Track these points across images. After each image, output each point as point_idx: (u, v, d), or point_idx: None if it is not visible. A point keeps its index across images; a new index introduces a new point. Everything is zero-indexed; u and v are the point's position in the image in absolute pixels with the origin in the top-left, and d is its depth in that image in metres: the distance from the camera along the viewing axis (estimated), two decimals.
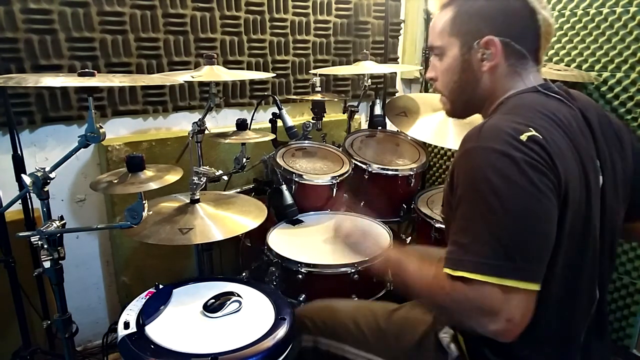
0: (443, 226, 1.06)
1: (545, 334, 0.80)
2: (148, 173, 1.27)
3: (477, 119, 1.05)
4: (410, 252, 1.04)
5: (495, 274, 0.78)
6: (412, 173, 1.95)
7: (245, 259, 1.94)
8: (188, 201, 1.42)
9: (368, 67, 2.09)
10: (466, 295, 0.81)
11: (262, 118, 2.18)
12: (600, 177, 0.93)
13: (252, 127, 1.85)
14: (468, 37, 0.96)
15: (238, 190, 1.94)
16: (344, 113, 2.31)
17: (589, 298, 0.95)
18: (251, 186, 2.02)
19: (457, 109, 1.08)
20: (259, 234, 1.57)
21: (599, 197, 0.92)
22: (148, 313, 1.14)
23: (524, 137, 0.81)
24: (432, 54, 1.06)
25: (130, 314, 1.15)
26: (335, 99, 2.26)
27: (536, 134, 0.82)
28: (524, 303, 0.79)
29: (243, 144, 1.68)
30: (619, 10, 1.74)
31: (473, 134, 0.87)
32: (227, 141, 1.64)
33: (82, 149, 1.06)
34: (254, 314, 1.18)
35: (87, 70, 1.05)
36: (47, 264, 1.10)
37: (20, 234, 1.09)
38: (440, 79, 1.05)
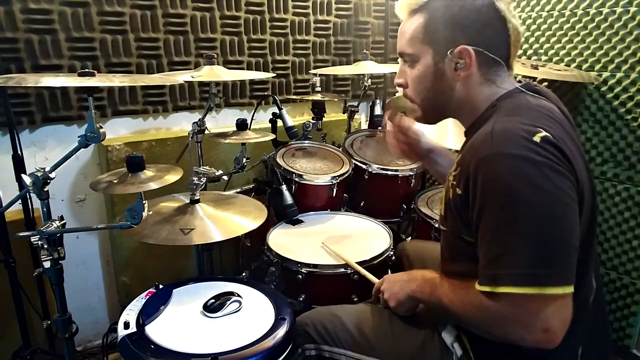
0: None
1: None
2: (148, 173, 1.27)
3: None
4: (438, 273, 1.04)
5: (535, 283, 0.77)
6: (412, 173, 1.95)
7: (245, 259, 1.94)
8: (188, 201, 1.42)
9: (368, 67, 2.09)
10: (501, 311, 0.81)
11: (262, 118, 2.18)
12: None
13: (252, 127, 1.85)
14: (441, 46, 0.96)
15: (238, 190, 1.94)
16: (344, 113, 2.31)
17: (588, 289, 0.96)
18: (251, 186, 2.02)
19: (428, 116, 1.08)
20: (259, 234, 1.57)
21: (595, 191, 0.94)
22: (148, 313, 1.14)
23: (537, 139, 0.81)
24: (402, 60, 1.05)
25: (130, 314, 1.15)
26: (335, 99, 2.26)
27: (547, 134, 0.82)
28: (561, 309, 0.78)
29: (243, 144, 1.68)
30: (619, 10, 1.74)
31: (484, 141, 0.85)
32: (227, 141, 1.64)
33: (82, 149, 1.06)
34: (254, 314, 1.18)
35: (87, 70, 1.05)
36: (47, 264, 1.10)
37: (20, 234, 1.09)
38: (411, 87, 1.04)
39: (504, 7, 0.93)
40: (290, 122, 1.85)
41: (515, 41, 0.96)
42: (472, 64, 0.94)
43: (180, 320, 1.15)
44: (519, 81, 1.01)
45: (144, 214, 1.07)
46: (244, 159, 1.68)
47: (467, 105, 1.00)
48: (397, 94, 2.70)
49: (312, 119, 2.11)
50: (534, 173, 0.78)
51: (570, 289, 0.78)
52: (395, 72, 1.10)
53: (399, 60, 1.07)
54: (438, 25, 0.95)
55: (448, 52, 0.95)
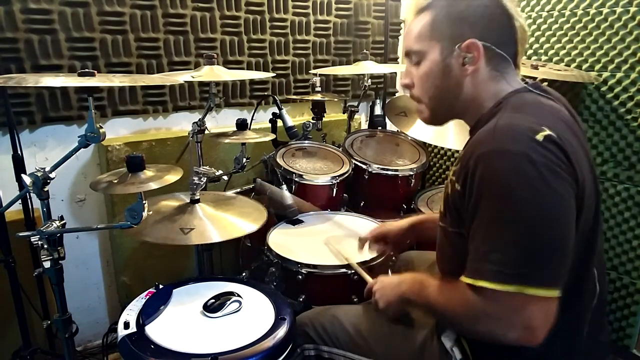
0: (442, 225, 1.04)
1: (553, 332, 0.80)
2: (148, 173, 1.26)
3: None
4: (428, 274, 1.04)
5: (517, 282, 0.77)
6: (412, 173, 1.95)
7: (245, 259, 1.94)
8: (188, 201, 1.42)
9: (368, 67, 2.09)
10: (483, 305, 0.81)
11: (262, 118, 2.18)
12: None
13: (252, 127, 1.85)
14: (449, 41, 0.95)
15: (238, 190, 1.94)
16: (344, 113, 2.32)
17: (591, 293, 0.95)
18: (251, 186, 2.02)
19: (437, 116, 1.06)
20: (259, 234, 1.57)
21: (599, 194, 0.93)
22: (148, 313, 1.14)
23: (540, 137, 0.80)
24: (408, 60, 1.04)
25: (130, 314, 1.15)
26: (335, 99, 2.26)
27: (551, 133, 0.81)
28: (544, 309, 0.78)
29: (243, 144, 1.68)
30: (619, 10, 1.74)
31: (486, 136, 0.85)
32: (227, 141, 1.64)
33: (82, 149, 1.06)
34: (254, 314, 1.18)
35: (87, 70, 1.05)
36: (47, 264, 1.10)
37: (20, 234, 1.09)
38: (418, 85, 1.03)
39: (509, 4, 0.93)
40: (290, 122, 1.85)
41: (521, 39, 0.96)
42: (480, 58, 0.93)
43: (180, 320, 1.15)
44: (525, 81, 1.00)
45: (144, 213, 1.07)
46: (244, 159, 1.68)
47: (474, 103, 0.98)
48: (397, 94, 2.70)
49: (312, 119, 2.11)
50: (531, 172, 0.78)
51: (555, 293, 0.77)
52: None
53: (405, 60, 1.06)
54: (445, 21, 0.95)
55: (456, 47, 0.94)
